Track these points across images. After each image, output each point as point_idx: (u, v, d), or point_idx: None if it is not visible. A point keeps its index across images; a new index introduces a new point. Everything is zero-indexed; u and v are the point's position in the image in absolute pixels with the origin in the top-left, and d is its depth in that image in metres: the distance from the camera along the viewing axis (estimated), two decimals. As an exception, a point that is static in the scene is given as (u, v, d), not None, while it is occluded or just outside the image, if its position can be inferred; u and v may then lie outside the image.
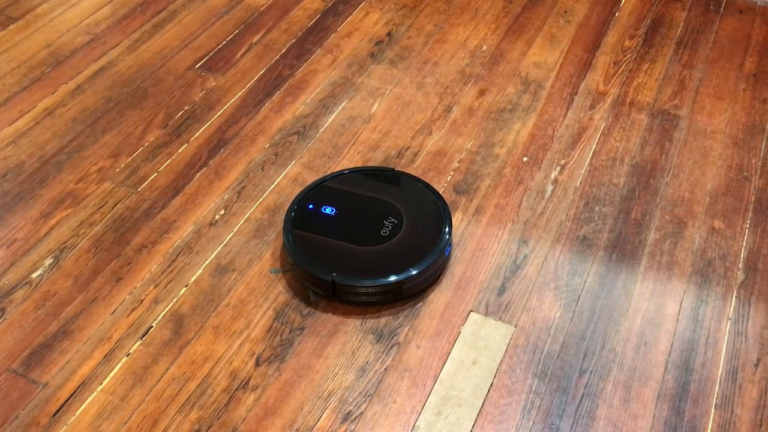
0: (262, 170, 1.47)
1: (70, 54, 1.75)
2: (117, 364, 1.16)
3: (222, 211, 1.39)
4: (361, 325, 1.22)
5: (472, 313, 1.23)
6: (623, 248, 1.33)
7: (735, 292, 1.27)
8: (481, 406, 1.11)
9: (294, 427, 1.09)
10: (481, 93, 1.64)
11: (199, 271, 1.29)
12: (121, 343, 1.19)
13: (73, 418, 1.10)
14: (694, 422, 1.10)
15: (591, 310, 1.24)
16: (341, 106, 1.61)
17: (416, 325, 1.21)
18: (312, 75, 1.69)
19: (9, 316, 1.23)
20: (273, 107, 1.61)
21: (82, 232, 1.36)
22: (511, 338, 1.20)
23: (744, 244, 1.34)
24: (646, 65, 1.71)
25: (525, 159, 1.49)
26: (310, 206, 1.32)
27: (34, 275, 1.29)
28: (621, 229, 1.36)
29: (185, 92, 1.65)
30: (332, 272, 1.21)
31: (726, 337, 1.20)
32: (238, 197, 1.42)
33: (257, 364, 1.16)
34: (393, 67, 1.71)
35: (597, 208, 1.40)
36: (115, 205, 1.40)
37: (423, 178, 1.43)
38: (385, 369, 1.16)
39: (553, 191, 1.43)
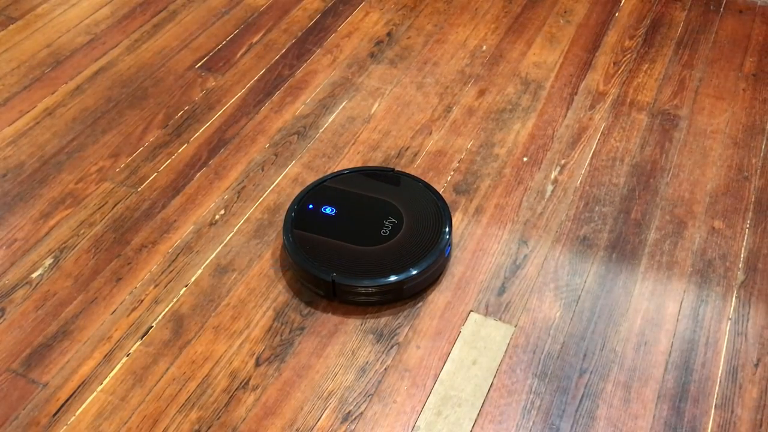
0: (262, 170, 1.47)
1: (70, 54, 1.75)
2: (117, 364, 1.16)
3: (222, 211, 1.39)
4: (361, 325, 1.22)
5: (472, 313, 1.23)
6: (623, 248, 1.33)
7: (735, 292, 1.27)
8: (481, 406, 1.11)
9: (294, 427, 1.09)
10: (481, 93, 1.64)
11: (199, 271, 1.29)
12: (121, 343, 1.19)
13: (73, 418, 1.10)
14: (694, 422, 1.10)
15: (591, 310, 1.24)
16: (341, 106, 1.61)
17: (416, 325, 1.21)
18: (312, 75, 1.69)
19: (9, 316, 1.23)
20: (273, 107, 1.61)
21: (82, 232, 1.36)
22: (511, 338, 1.20)
23: (744, 244, 1.34)
24: (646, 65, 1.71)
25: (525, 159, 1.49)
26: (310, 206, 1.32)
27: (34, 275, 1.29)
28: (621, 229, 1.36)
29: (185, 92, 1.65)
30: (332, 272, 1.21)
31: (726, 337, 1.20)
32: (238, 197, 1.42)
33: (257, 364, 1.16)
34: (393, 67, 1.71)
35: (597, 208, 1.40)
36: (115, 205, 1.40)
37: (423, 178, 1.43)
38: (385, 369, 1.16)
39: (553, 191, 1.43)
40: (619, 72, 1.70)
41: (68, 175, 1.46)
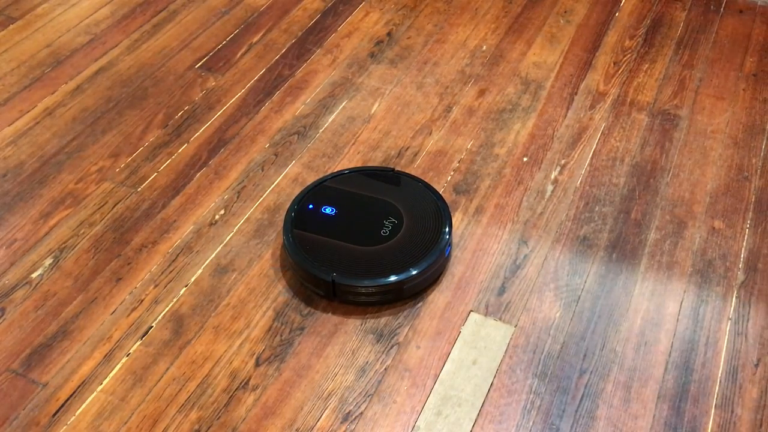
0: (262, 170, 1.47)
1: (70, 54, 1.75)
2: (117, 364, 1.16)
3: (222, 211, 1.39)
4: (361, 325, 1.22)
5: (472, 313, 1.23)
6: (623, 248, 1.33)
7: (735, 292, 1.27)
8: (481, 406, 1.11)
9: (294, 427, 1.09)
10: (481, 93, 1.64)
11: (199, 271, 1.29)
12: (121, 343, 1.19)
13: (73, 418, 1.10)
14: (694, 422, 1.10)
15: (591, 310, 1.24)
16: (341, 106, 1.61)
17: (416, 325, 1.21)
18: (312, 75, 1.69)
19: (9, 316, 1.23)
20: (273, 107, 1.61)
21: (82, 232, 1.36)
22: (511, 338, 1.20)
23: (744, 244, 1.34)
24: (646, 65, 1.71)
25: (525, 159, 1.49)
26: (310, 206, 1.32)
27: (34, 275, 1.29)
28: (621, 229, 1.36)
29: (185, 92, 1.65)
30: (332, 272, 1.21)
31: (726, 337, 1.20)
32: (238, 197, 1.42)
33: (257, 364, 1.16)
34: (393, 67, 1.71)
35: (597, 208, 1.40)
36: (115, 205, 1.40)
37: (423, 178, 1.43)
38: (385, 369, 1.16)
39: (553, 191, 1.43)
40: (620, 72, 1.70)
41: (68, 175, 1.46)
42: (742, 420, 1.10)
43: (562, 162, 1.48)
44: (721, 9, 1.88)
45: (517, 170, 1.47)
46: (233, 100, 1.63)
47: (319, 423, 1.09)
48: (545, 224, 1.37)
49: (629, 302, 1.25)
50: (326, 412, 1.11)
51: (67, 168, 1.47)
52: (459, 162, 1.48)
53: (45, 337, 1.20)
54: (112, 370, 1.16)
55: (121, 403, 1.12)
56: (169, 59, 1.73)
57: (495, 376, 1.15)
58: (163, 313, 1.23)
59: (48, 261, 1.31)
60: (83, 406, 1.11)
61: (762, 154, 1.51)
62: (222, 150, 1.51)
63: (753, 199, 1.42)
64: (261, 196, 1.42)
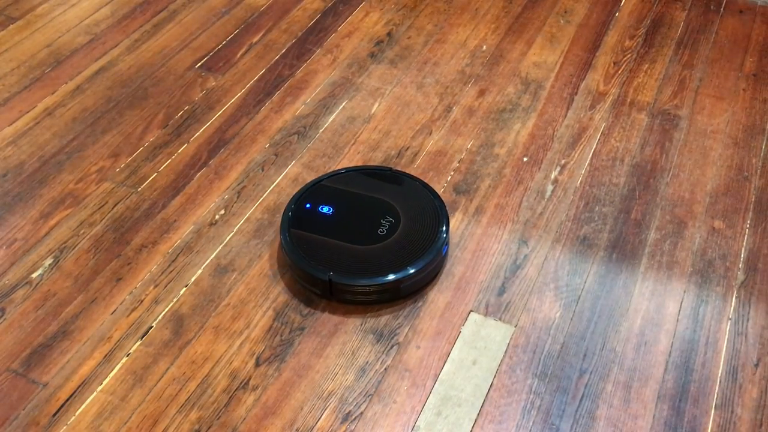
0: (262, 170, 1.47)
1: (70, 54, 1.75)
2: (117, 364, 1.16)
3: (222, 211, 1.39)
4: (361, 325, 1.22)
5: (472, 313, 1.23)
6: (623, 248, 1.33)
7: (735, 292, 1.27)
8: (481, 406, 1.11)
9: (294, 427, 1.09)
10: (481, 93, 1.64)
11: (199, 271, 1.29)
12: (121, 343, 1.19)
13: (73, 418, 1.10)
14: (694, 422, 1.10)
15: (591, 310, 1.24)
16: (341, 106, 1.61)
17: (416, 325, 1.21)
18: (312, 75, 1.69)
19: (9, 316, 1.23)
20: (273, 107, 1.61)
21: (82, 232, 1.36)
22: (511, 338, 1.20)
23: (744, 244, 1.34)
24: (646, 65, 1.71)
25: (525, 159, 1.49)
26: (308, 205, 1.32)
27: (34, 275, 1.29)
28: (621, 229, 1.36)
29: (185, 92, 1.65)
30: (329, 271, 1.21)
31: (726, 337, 1.20)
32: (238, 197, 1.42)
33: (257, 364, 1.16)
34: (393, 67, 1.71)
35: (597, 208, 1.40)
36: (115, 205, 1.40)
37: (423, 178, 1.43)
38: (385, 369, 1.16)
39: (553, 191, 1.43)
40: (619, 72, 1.70)
41: (68, 175, 1.46)
42: (742, 420, 1.10)
43: (562, 162, 1.48)
44: (721, 9, 1.88)
45: (517, 170, 1.47)
46: (233, 100, 1.63)
47: (319, 423, 1.09)
48: (545, 224, 1.37)
49: (629, 302, 1.25)
50: (326, 412, 1.11)
51: (67, 168, 1.47)
52: (459, 162, 1.48)
53: (45, 337, 1.20)
54: (112, 370, 1.16)
55: (121, 403, 1.12)
56: (169, 59, 1.73)
57: (495, 376, 1.15)
58: (163, 313, 1.23)
59: (48, 261, 1.31)
60: (83, 406, 1.11)
61: (762, 154, 1.51)
62: (222, 150, 1.51)
63: (753, 199, 1.42)
64: (261, 196, 1.42)
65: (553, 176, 1.46)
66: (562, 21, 1.84)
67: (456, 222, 1.37)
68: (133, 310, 1.24)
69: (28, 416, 1.10)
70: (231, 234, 1.35)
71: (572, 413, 1.11)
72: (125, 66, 1.71)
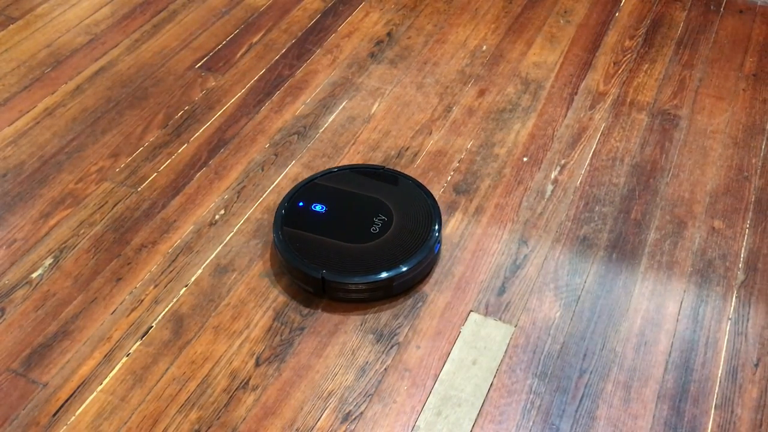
0: (262, 170, 1.47)
1: (70, 54, 1.75)
2: (117, 364, 1.16)
3: (222, 211, 1.39)
4: (361, 325, 1.22)
5: (472, 313, 1.23)
6: (623, 248, 1.33)
7: (735, 292, 1.27)
8: (481, 406, 1.11)
9: (294, 427, 1.09)
10: (481, 93, 1.64)
11: (199, 271, 1.29)
12: (121, 343, 1.19)
13: (73, 418, 1.10)
14: (694, 422, 1.10)
15: (591, 310, 1.24)
16: (341, 106, 1.61)
17: (416, 325, 1.21)
18: (312, 75, 1.69)
19: (9, 316, 1.23)
20: (273, 107, 1.61)
21: (82, 232, 1.36)
22: (511, 338, 1.20)
23: (744, 244, 1.34)
24: (646, 65, 1.71)
25: (525, 159, 1.49)
26: (300, 204, 1.32)
27: (34, 275, 1.29)
28: (621, 229, 1.36)
29: (185, 92, 1.65)
30: (322, 269, 1.21)
31: (726, 337, 1.20)
32: (238, 197, 1.42)
33: (257, 364, 1.16)
34: (393, 67, 1.71)
35: (597, 208, 1.40)
36: (115, 205, 1.40)
37: (423, 178, 1.43)
38: (385, 369, 1.16)
39: (553, 191, 1.43)
40: (619, 72, 1.70)
41: (68, 175, 1.46)
42: (742, 420, 1.10)
43: (562, 162, 1.48)
44: (721, 9, 1.88)
45: (517, 170, 1.47)
46: (233, 100, 1.63)
47: (319, 423, 1.09)
48: (545, 224, 1.37)
49: (629, 302, 1.25)
50: (326, 412, 1.11)
51: (67, 168, 1.47)
52: (459, 162, 1.48)
53: (45, 337, 1.20)
54: (112, 370, 1.16)
55: (121, 403, 1.12)
56: (169, 59, 1.73)
57: (495, 376, 1.15)
58: (163, 313, 1.23)
59: (48, 261, 1.31)
60: (83, 406, 1.11)
61: (762, 154, 1.51)
62: (222, 150, 1.51)
63: (753, 199, 1.42)
64: (261, 196, 1.42)
65: (553, 176, 1.46)
66: (562, 21, 1.84)
67: (456, 222, 1.37)
68: (133, 310, 1.24)
69: (28, 416, 1.10)
70: (231, 234, 1.35)
71: (572, 413, 1.11)
72: (125, 66, 1.71)
